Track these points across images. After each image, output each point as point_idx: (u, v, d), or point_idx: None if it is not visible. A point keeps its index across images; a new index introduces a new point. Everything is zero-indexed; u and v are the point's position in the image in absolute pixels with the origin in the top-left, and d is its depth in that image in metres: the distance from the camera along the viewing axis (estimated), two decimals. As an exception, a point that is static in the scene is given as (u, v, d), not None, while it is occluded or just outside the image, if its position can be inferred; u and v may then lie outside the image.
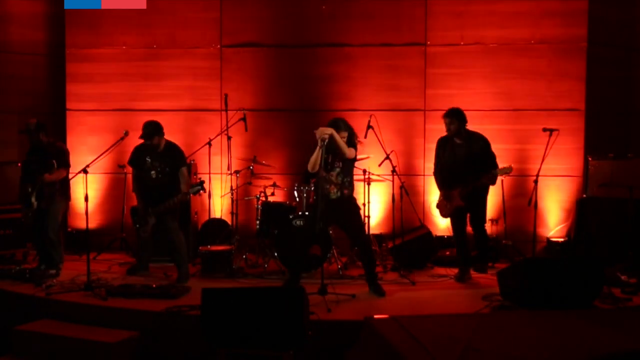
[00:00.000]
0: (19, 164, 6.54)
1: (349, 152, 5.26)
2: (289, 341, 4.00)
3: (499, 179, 6.76)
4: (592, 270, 4.83)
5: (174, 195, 5.76)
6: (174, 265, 5.97)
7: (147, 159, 5.86)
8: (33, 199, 5.92)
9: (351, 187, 5.45)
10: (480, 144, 5.91)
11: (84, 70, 7.77)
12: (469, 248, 6.07)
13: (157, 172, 5.84)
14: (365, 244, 5.54)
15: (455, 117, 5.85)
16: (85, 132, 7.80)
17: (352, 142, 5.37)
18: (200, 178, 5.97)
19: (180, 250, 5.90)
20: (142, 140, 5.84)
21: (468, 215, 5.98)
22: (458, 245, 6.08)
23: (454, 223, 6.06)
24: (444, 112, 5.96)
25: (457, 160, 5.88)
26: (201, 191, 5.81)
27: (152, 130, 5.76)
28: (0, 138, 7.58)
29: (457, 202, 5.85)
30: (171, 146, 5.96)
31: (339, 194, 5.31)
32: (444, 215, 6.12)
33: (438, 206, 6.17)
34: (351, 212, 5.43)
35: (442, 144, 6.05)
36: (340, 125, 5.27)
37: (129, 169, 7.35)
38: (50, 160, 5.92)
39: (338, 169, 5.30)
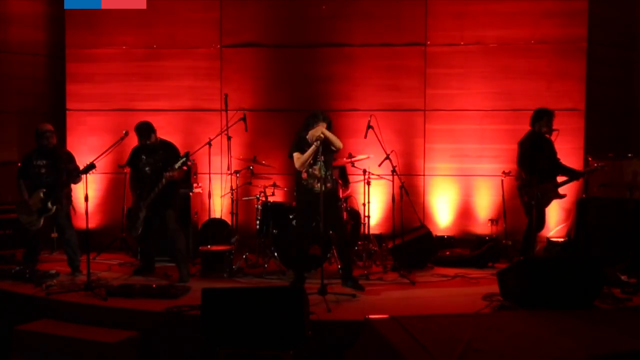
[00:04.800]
0: (19, 164, 6.54)
1: (340, 142, 5.46)
2: (289, 341, 4.00)
3: (501, 179, 6.81)
4: (592, 270, 4.82)
5: (161, 186, 5.76)
6: (174, 265, 5.98)
7: (142, 156, 5.96)
8: (49, 204, 5.96)
9: (334, 181, 5.55)
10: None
11: (84, 70, 7.77)
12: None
13: (151, 167, 5.90)
14: (343, 239, 5.59)
15: None
16: (85, 132, 7.80)
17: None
18: (186, 153, 5.89)
19: (181, 250, 5.91)
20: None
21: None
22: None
23: (540, 213, 6.23)
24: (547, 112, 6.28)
25: (552, 157, 6.28)
26: (188, 162, 5.66)
27: (148, 128, 5.90)
28: (0, 138, 7.58)
29: (558, 194, 6.22)
30: (165, 143, 6.06)
31: (322, 188, 5.30)
32: (547, 203, 6.23)
33: (540, 193, 6.20)
34: (332, 205, 5.46)
35: (541, 140, 6.25)
36: (320, 117, 5.44)
37: (129, 169, 7.38)
38: (63, 165, 6.04)
39: (320, 163, 5.33)
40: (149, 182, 5.88)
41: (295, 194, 5.81)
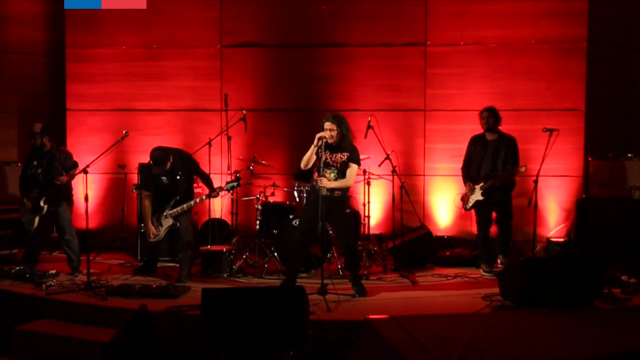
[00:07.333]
0: (19, 164, 6.56)
1: (349, 181, 5.33)
2: (289, 341, 4.00)
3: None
4: (592, 270, 4.83)
5: (192, 195, 5.86)
6: (174, 265, 5.97)
7: (162, 178, 5.84)
8: (42, 203, 5.96)
9: (344, 189, 5.40)
10: (508, 143, 6.14)
11: (84, 70, 7.77)
12: (488, 245, 6.28)
13: (169, 179, 5.85)
14: (350, 247, 5.45)
15: (494, 113, 6.16)
16: (85, 132, 7.80)
17: (354, 158, 5.33)
18: (236, 174, 5.96)
19: (188, 250, 5.89)
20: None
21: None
22: (479, 241, 6.30)
23: (477, 219, 6.28)
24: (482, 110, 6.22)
25: (487, 155, 6.13)
26: (237, 187, 5.85)
27: (165, 158, 5.74)
28: (0, 138, 7.58)
29: (477, 195, 6.08)
30: (178, 154, 5.94)
31: (329, 193, 5.28)
32: (465, 208, 6.27)
33: (462, 199, 6.34)
34: (338, 214, 5.37)
35: (475, 140, 6.26)
36: (326, 118, 5.30)
37: (129, 169, 7.39)
38: (56, 164, 5.98)
39: (334, 169, 5.28)
40: (171, 191, 5.86)
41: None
